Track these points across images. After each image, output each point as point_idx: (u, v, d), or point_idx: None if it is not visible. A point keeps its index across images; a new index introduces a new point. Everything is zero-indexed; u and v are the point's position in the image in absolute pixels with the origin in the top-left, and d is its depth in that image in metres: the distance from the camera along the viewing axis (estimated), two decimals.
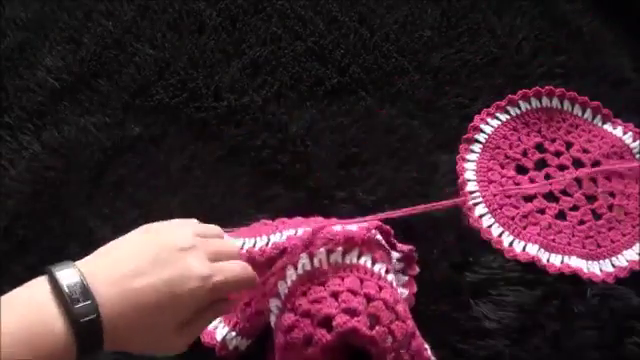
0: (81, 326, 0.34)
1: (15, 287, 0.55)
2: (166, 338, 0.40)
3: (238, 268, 0.43)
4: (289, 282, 0.46)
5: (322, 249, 0.46)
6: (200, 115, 0.67)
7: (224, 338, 0.51)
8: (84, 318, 0.35)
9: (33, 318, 0.35)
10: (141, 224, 0.59)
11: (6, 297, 0.36)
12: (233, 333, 0.51)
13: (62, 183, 0.62)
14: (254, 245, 0.49)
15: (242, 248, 0.49)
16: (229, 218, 0.59)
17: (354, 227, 0.49)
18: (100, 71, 0.71)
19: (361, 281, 0.46)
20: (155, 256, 0.39)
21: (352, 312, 0.43)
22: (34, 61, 0.72)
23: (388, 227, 0.52)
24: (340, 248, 0.47)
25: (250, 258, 0.47)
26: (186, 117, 0.67)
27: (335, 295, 0.45)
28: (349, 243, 0.47)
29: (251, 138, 0.66)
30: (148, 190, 0.62)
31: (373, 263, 0.48)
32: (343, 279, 0.46)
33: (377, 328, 0.43)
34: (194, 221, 0.46)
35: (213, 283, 0.40)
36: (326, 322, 0.43)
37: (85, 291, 0.35)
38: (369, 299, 0.45)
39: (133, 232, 0.42)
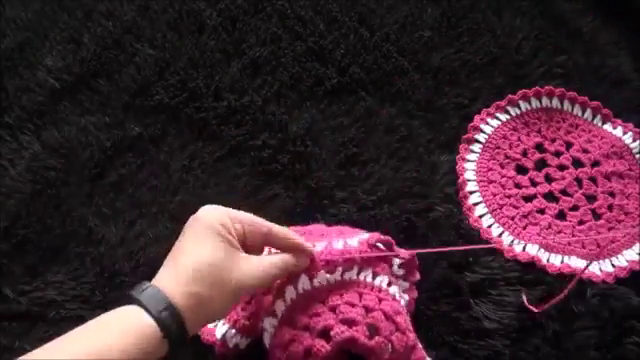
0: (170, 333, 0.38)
1: (15, 287, 0.56)
2: (226, 274, 0.41)
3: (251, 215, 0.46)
4: (288, 300, 0.46)
5: (322, 271, 0.47)
6: (200, 115, 0.67)
7: (224, 336, 0.51)
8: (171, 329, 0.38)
9: (134, 332, 0.37)
10: (141, 224, 0.60)
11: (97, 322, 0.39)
12: (233, 331, 0.51)
13: (62, 183, 0.62)
14: None
15: None
16: None
17: (355, 242, 0.49)
18: (100, 71, 0.71)
19: (360, 295, 0.46)
20: (191, 234, 0.42)
21: (350, 322, 0.44)
22: (34, 61, 0.72)
23: (389, 238, 0.52)
24: (340, 268, 0.47)
25: None
26: (186, 117, 0.67)
27: (333, 309, 0.45)
28: (348, 262, 0.47)
29: (251, 138, 0.66)
30: (148, 190, 0.62)
31: (374, 277, 0.48)
32: (342, 295, 0.46)
33: (376, 338, 0.43)
34: None
35: (225, 209, 0.43)
36: (325, 333, 0.44)
37: (157, 295, 0.39)
38: (368, 310, 0.45)
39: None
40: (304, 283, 0.46)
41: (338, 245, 0.49)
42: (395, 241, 0.55)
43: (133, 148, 0.65)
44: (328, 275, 0.47)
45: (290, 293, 0.46)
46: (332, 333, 0.43)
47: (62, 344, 0.36)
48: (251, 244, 0.44)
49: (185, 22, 0.75)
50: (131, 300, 0.39)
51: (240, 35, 0.74)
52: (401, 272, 0.53)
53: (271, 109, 0.68)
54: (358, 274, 0.48)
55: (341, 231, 0.53)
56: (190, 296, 0.39)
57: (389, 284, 0.48)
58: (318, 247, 0.48)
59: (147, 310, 0.38)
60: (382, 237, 0.51)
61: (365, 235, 0.51)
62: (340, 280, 0.47)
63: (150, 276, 0.55)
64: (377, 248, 0.50)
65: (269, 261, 0.43)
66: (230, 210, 0.44)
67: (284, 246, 0.45)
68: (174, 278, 0.40)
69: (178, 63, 0.71)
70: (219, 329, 0.52)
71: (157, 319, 0.37)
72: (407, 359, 0.45)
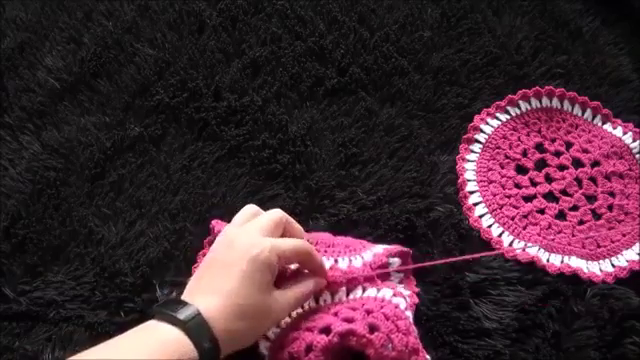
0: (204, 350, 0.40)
1: (15, 287, 0.56)
2: (267, 312, 0.44)
3: (299, 241, 0.48)
4: (294, 314, 0.49)
5: (326, 291, 0.50)
6: (200, 115, 0.67)
7: None
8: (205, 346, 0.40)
9: (164, 343, 0.40)
10: (141, 224, 0.60)
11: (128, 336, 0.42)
12: None
13: (62, 183, 0.62)
14: None
15: None
16: (229, 218, 0.59)
17: (359, 262, 0.51)
18: (100, 71, 0.71)
19: (363, 303, 0.48)
20: (242, 270, 0.44)
21: (350, 320, 0.45)
22: (34, 61, 0.72)
23: (402, 249, 0.54)
24: (344, 288, 0.50)
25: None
26: (186, 117, 0.67)
27: (336, 313, 0.47)
28: (352, 283, 0.50)
29: (251, 138, 0.66)
30: (148, 190, 0.62)
31: (378, 291, 0.50)
32: (344, 304, 0.49)
33: (376, 334, 0.44)
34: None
35: (271, 244, 0.45)
36: (326, 330, 0.45)
37: (203, 327, 0.41)
38: (369, 312, 0.46)
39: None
40: (309, 302, 0.49)
41: (343, 265, 0.51)
42: (395, 242, 0.56)
43: (133, 148, 0.65)
44: (333, 295, 0.50)
45: (284, 319, 0.49)
46: (332, 327, 0.44)
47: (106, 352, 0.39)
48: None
49: (185, 22, 0.75)
50: (174, 321, 0.41)
51: (240, 35, 0.74)
52: (399, 279, 0.54)
53: (271, 109, 0.68)
54: (363, 292, 0.50)
55: (347, 244, 0.54)
56: (231, 332, 0.42)
57: (394, 295, 0.49)
58: (325, 265, 0.50)
59: (192, 339, 0.40)
60: (393, 251, 0.53)
61: (369, 254, 0.52)
62: (345, 300, 0.49)
63: (150, 276, 0.56)
64: (385, 267, 0.52)
65: (295, 297, 0.46)
66: (282, 247, 0.45)
67: (312, 270, 0.49)
68: (220, 311, 0.42)
69: (178, 63, 0.71)
70: None
71: (200, 351, 0.40)
72: None
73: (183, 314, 0.41)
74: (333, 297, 0.50)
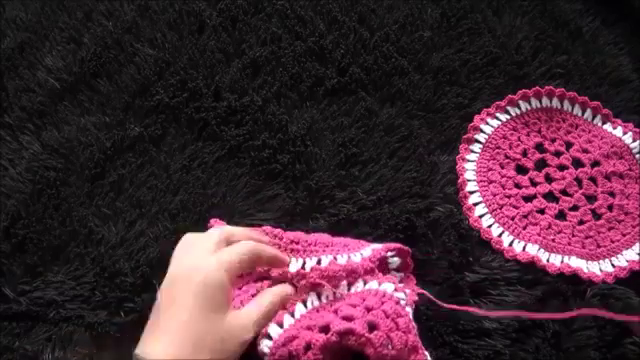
0: None
1: (15, 287, 0.56)
2: (225, 337, 0.43)
3: (242, 244, 0.47)
4: (298, 314, 0.49)
5: (328, 286, 0.49)
6: (200, 115, 0.67)
7: None
8: None
9: None
10: (141, 224, 0.60)
11: None
12: None
13: (62, 183, 0.62)
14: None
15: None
16: (229, 218, 0.59)
17: (358, 257, 0.51)
18: (100, 71, 0.71)
19: (363, 299, 0.48)
20: (190, 301, 0.43)
21: (349, 318, 0.45)
22: (34, 61, 0.72)
23: (401, 247, 0.54)
24: (345, 282, 0.49)
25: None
26: (186, 117, 0.67)
27: (336, 310, 0.47)
28: (352, 276, 0.50)
29: (251, 138, 0.66)
30: (148, 190, 0.62)
31: (379, 284, 0.50)
32: (345, 299, 0.49)
33: (375, 332, 0.44)
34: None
35: (216, 260, 0.44)
36: (326, 329, 0.45)
37: None
38: (368, 309, 0.46)
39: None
40: (312, 299, 0.49)
41: (342, 261, 0.51)
42: (395, 243, 0.56)
43: (133, 148, 0.65)
44: (334, 290, 0.49)
45: (299, 309, 0.49)
46: (331, 326, 0.44)
47: None
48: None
49: (185, 22, 0.75)
50: None
51: (240, 35, 0.74)
52: (400, 279, 0.54)
53: (271, 109, 0.68)
54: (365, 285, 0.50)
55: (345, 244, 0.54)
56: None
57: (395, 290, 0.49)
58: (323, 262, 0.51)
59: None
60: (392, 246, 0.53)
61: (368, 250, 0.52)
62: (347, 293, 0.49)
63: (150, 276, 0.56)
64: (384, 261, 0.52)
65: (258, 310, 0.46)
66: (227, 258, 0.45)
67: (268, 263, 0.49)
68: (175, 354, 0.40)
69: (178, 63, 0.71)
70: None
71: None
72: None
73: None
74: (335, 292, 0.49)
